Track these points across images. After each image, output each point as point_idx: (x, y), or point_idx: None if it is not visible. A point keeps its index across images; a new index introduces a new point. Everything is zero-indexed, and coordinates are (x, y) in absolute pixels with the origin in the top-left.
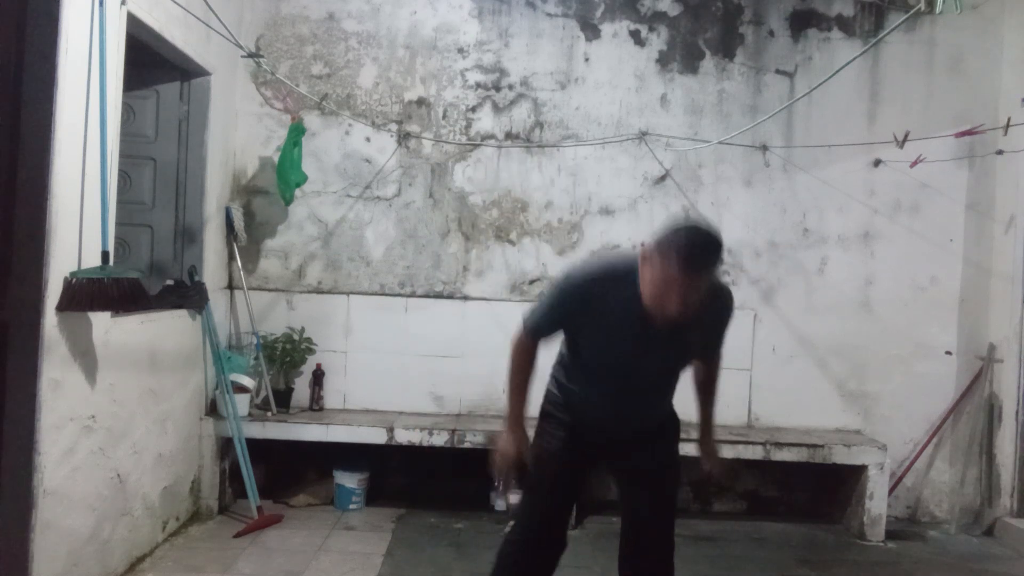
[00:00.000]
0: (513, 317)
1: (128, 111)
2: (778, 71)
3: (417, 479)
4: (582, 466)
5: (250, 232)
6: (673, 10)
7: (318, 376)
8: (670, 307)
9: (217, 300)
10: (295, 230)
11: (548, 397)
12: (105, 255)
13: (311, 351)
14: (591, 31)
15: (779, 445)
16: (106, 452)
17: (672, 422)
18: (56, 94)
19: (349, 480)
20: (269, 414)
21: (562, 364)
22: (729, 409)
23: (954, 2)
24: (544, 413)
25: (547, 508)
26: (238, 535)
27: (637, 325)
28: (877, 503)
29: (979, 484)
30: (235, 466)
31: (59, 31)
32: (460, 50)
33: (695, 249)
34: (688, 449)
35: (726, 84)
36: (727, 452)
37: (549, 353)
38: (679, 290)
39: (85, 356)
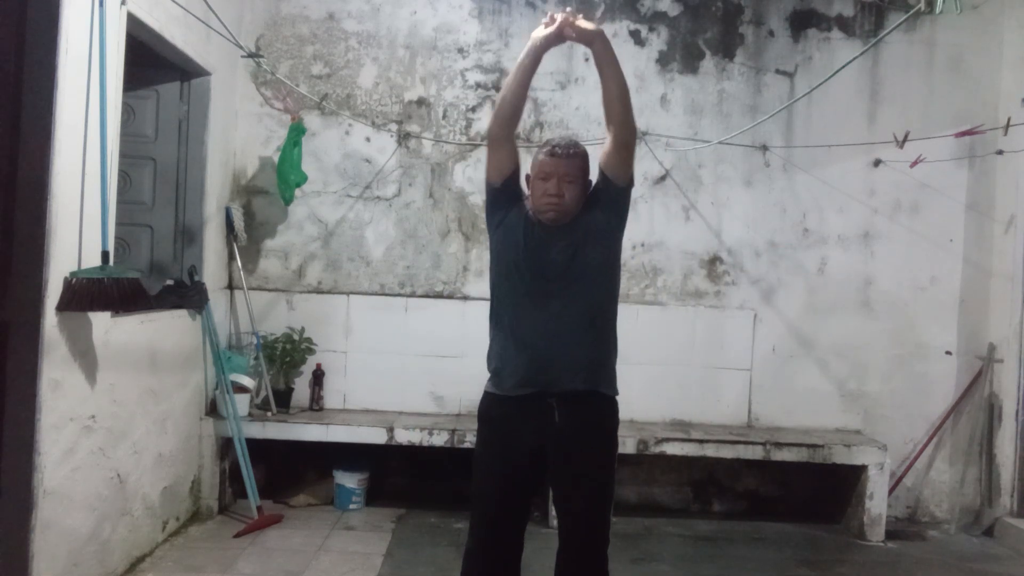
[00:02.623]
0: None
1: (128, 111)
2: (778, 71)
3: (417, 479)
4: (523, 475)
5: (250, 232)
6: (673, 10)
7: (318, 376)
8: (551, 190)
9: (217, 300)
10: (295, 230)
11: (490, 372)
12: (105, 255)
13: (311, 351)
14: None
15: (779, 445)
16: (106, 452)
17: (608, 409)
18: (56, 94)
19: (349, 480)
20: (269, 414)
21: (492, 324)
22: (729, 409)
23: (954, 2)
24: (482, 413)
25: (492, 518)
26: (238, 535)
27: (533, 225)
28: (877, 503)
29: (979, 484)
30: (235, 466)
31: (59, 31)
32: (460, 50)
33: (556, 139)
34: (688, 450)
35: (726, 84)
36: (727, 452)
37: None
38: (553, 171)
39: (85, 356)
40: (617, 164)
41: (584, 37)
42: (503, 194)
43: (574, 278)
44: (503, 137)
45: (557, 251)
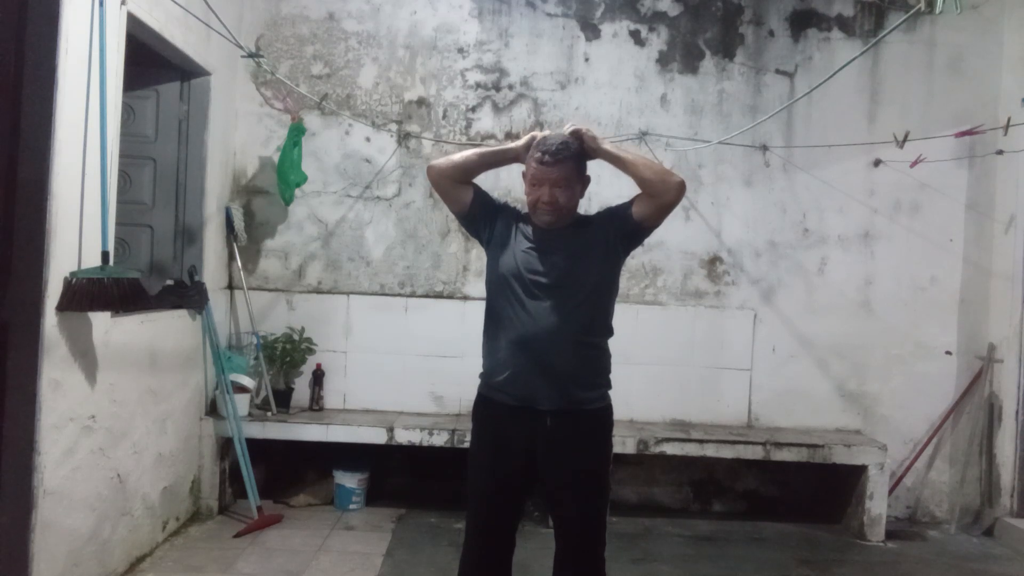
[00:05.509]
0: None
1: (128, 111)
2: (778, 71)
3: (417, 479)
4: (516, 474)
5: (250, 232)
6: (673, 10)
7: (318, 376)
8: (544, 198)
9: (217, 300)
10: (295, 230)
11: (481, 378)
12: (105, 255)
13: (311, 351)
14: (591, 31)
15: (779, 445)
16: (106, 452)
17: (600, 417)
18: (56, 94)
19: (349, 480)
20: (269, 414)
21: (485, 331)
22: (729, 409)
23: (954, 2)
24: (476, 413)
25: (485, 516)
26: (238, 535)
27: (532, 233)
28: (877, 503)
29: (979, 484)
30: (235, 466)
31: (59, 31)
32: (460, 50)
33: (545, 142)
34: (688, 450)
35: (726, 84)
36: (727, 452)
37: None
38: (544, 178)
39: (85, 356)
40: (652, 216)
41: (589, 154)
42: (474, 216)
43: (569, 291)
44: (449, 188)
45: (555, 259)
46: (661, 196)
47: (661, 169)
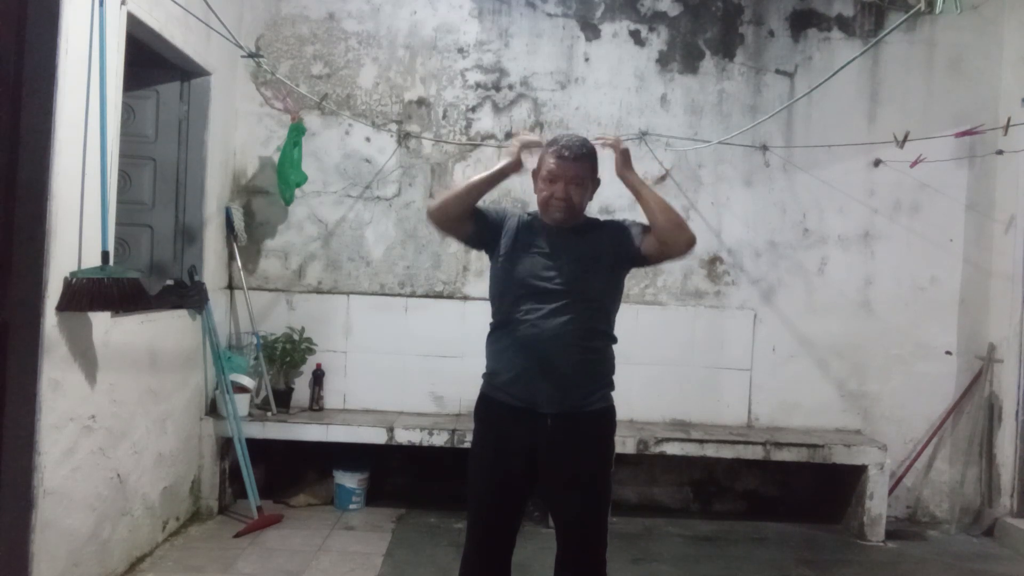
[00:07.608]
0: None
1: (128, 111)
2: (778, 71)
3: (417, 479)
4: (517, 474)
5: (250, 232)
6: (673, 10)
7: (318, 376)
8: (558, 194)
9: (217, 300)
10: (295, 230)
11: (484, 379)
12: (105, 255)
13: (311, 351)
14: (591, 31)
15: (779, 445)
16: (106, 452)
17: (603, 417)
18: (56, 94)
19: (349, 480)
20: (269, 414)
21: (489, 334)
22: (729, 409)
23: (954, 2)
24: (478, 413)
25: (486, 516)
26: (238, 535)
27: (538, 236)
28: (877, 503)
29: (979, 484)
30: (235, 466)
31: (59, 31)
32: (460, 50)
33: (564, 139)
34: (688, 450)
35: (726, 84)
36: (727, 452)
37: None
38: (561, 174)
39: (85, 356)
40: (655, 257)
41: (619, 173)
42: (479, 239)
43: (576, 296)
44: (455, 226)
45: (563, 264)
46: (667, 246)
47: (677, 219)
